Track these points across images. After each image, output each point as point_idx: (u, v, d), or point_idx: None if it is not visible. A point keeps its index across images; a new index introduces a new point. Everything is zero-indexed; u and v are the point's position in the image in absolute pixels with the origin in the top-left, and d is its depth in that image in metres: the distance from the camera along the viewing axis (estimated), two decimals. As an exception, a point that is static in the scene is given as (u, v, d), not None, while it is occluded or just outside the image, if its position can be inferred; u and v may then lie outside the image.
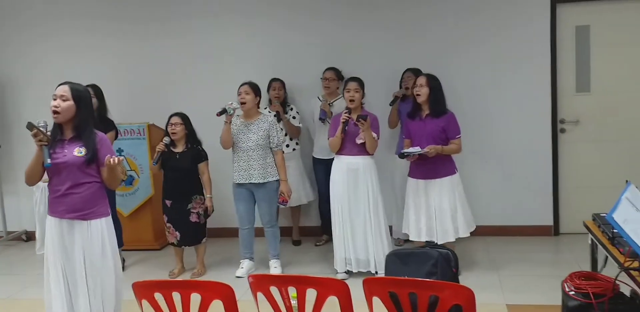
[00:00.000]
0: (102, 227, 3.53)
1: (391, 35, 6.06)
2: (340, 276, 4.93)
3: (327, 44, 6.18)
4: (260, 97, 5.20)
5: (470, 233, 4.96)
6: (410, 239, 5.02)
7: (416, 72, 5.44)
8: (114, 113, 5.88)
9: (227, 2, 6.31)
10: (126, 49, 6.52)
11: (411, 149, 4.71)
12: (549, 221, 5.97)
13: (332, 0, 6.13)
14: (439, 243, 4.67)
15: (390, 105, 5.67)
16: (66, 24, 6.61)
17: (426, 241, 4.59)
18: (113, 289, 3.55)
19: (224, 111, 4.92)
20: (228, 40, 6.34)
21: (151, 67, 6.49)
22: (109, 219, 3.62)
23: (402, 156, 4.76)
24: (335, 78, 5.81)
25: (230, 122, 5.01)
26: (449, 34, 5.97)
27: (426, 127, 4.79)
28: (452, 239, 4.81)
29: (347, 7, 6.11)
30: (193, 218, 5.18)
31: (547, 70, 5.83)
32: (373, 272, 4.94)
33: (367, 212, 4.92)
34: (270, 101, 5.93)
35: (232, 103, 4.96)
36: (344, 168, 4.95)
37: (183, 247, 5.33)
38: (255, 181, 5.07)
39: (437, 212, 4.80)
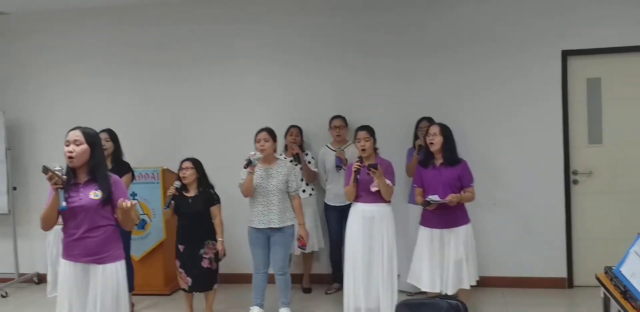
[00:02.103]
0: (116, 271, 3.56)
1: (402, 82, 6.15)
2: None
3: (339, 90, 6.29)
4: (276, 142, 5.26)
5: (483, 284, 4.90)
6: (423, 289, 4.94)
7: (431, 121, 5.52)
8: (131, 157, 5.95)
9: (243, 48, 6.45)
10: (141, 93, 6.67)
11: (433, 197, 4.70)
12: (563, 273, 5.90)
13: (343, 47, 6.26)
14: (450, 293, 4.65)
15: (417, 154, 5.64)
16: (81, 68, 6.79)
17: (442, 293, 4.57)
18: None
19: (249, 163, 4.93)
20: (243, 85, 6.46)
21: (165, 112, 6.62)
22: (123, 262, 3.65)
23: (426, 203, 4.73)
24: (345, 125, 5.91)
25: (253, 172, 5.03)
26: (458, 83, 6.05)
27: (441, 175, 4.81)
28: (467, 287, 4.76)
29: (358, 54, 6.23)
30: (205, 264, 5.15)
31: (559, 122, 5.88)
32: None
33: (382, 260, 4.88)
34: (285, 147, 6.00)
35: (254, 153, 4.95)
36: (359, 216, 4.95)
37: (193, 293, 5.30)
38: (274, 226, 5.07)
39: (452, 262, 4.76)
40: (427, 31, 6.10)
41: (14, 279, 6.68)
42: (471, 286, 4.82)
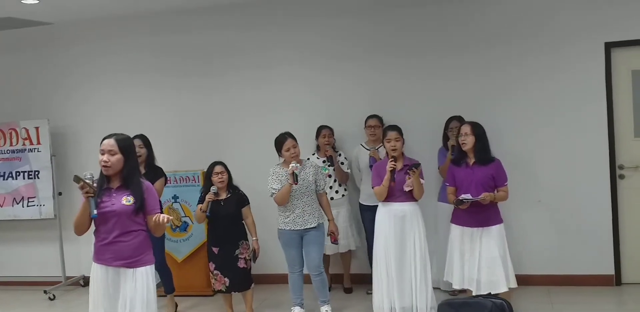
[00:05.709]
0: (147, 275, 3.61)
1: (437, 81, 6.07)
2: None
3: (370, 91, 6.24)
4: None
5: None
6: (454, 287, 4.90)
7: (461, 120, 5.44)
8: (172, 161, 6.03)
9: (272, 54, 6.47)
10: (182, 101, 6.75)
11: (465, 196, 4.63)
12: (610, 270, 5.72)
13: (373, 48, 6.21)
14: (483, 293, 4.56)
15: (452, 155, 5.58)
16: (125, 77, 6.92)
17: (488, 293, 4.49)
18: None
19: (296, 177, 4.90)
20: (274, 89, 6.48)
21: (205, 118, 6.68)
22: (153, 267, 3.70)
23: (458, 202, 4.66)
24: (380, 125, 5.86)
25: (295, 184, 4.97)
26: (497, 79, 5.94)
27: (474, 174, 4.73)
28: (506, 289, 4.64)
29: (389, 55, 6.18)
30: (241, 264, 5.19)
31: (603, 115, 5.71)
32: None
33: (414, 259, 4.83)
34: (318, 147, 5.98)
35: (296, 166, 4.90)
36: (390, 215, 4.90)
37: (232, 293, 5.33)
38: (311, 226, 5.08)
39: (485, 262, 4.66)
40: (460, 29, 6.00)
41: (61, 282, 6.82)
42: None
